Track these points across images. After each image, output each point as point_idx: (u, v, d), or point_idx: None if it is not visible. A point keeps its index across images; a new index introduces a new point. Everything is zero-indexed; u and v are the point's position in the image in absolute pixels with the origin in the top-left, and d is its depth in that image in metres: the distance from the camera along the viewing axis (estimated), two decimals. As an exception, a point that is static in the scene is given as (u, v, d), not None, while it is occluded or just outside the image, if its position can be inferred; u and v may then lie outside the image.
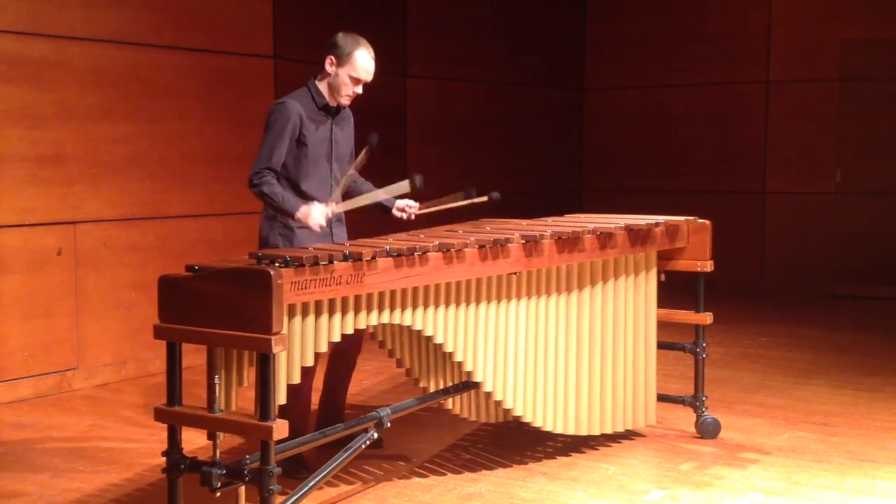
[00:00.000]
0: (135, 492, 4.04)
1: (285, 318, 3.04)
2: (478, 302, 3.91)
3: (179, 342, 3.12)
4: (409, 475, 4.21)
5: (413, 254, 3.50)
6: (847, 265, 9.09)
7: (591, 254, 4.26)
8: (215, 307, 3.00)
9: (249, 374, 3.07)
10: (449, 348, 3.84)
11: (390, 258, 3.41)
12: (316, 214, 4.00)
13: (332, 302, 3.28)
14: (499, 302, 4.00)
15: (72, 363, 5.73)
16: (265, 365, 2.98)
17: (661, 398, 4.82)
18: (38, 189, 5.53)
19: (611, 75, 10.17)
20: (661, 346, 4.78)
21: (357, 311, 3.39)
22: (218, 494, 3.13)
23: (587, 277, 4.37)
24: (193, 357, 4.05)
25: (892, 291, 8.81)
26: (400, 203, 4.39)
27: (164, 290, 3.12)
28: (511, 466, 4.31)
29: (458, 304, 3.82)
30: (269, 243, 4.16)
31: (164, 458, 3.19)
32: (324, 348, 3.30)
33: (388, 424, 3.86)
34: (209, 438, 3.13)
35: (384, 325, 3.84)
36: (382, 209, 4.42)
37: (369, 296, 3.41)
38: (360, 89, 4.21)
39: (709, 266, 4.71)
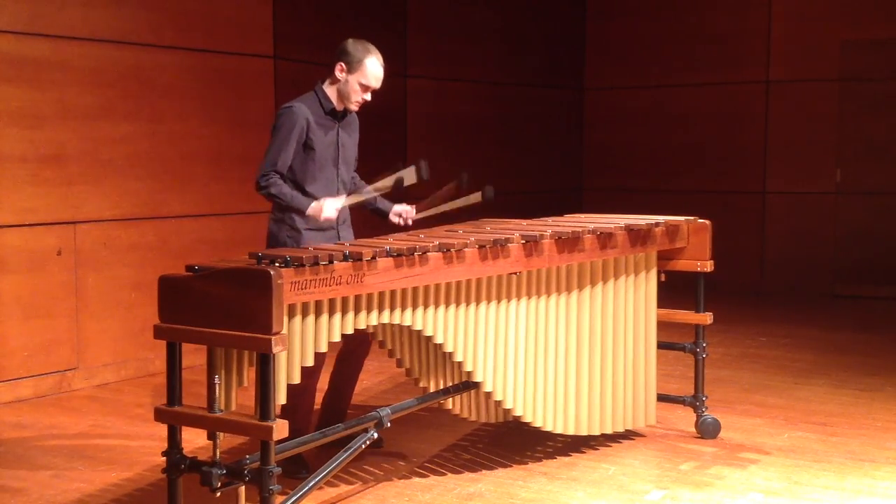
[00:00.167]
0: (135, 492, 4.04)
1: (285, 318, 3.04)
2: (478, 302, 3.91)
3: (179, 342, 3.12)
4: (409, 475, 4.21)
5: (413, 254, 3.50)
6: (847, 265, 9.09)
7: (591, 254, 4.26)
8: (215, 307, 3.00)
9: (249, 374, 3.07)
10: (449, 348, 3.84)
11: (390, 258, 3.41)
12: (328, 208, 4.04)
13: (332, 302, 3.28)
14: (499, 302, 4.01)
15: (72, 363, 5.74)
16: (265, 365, 2.98)
17: (661, 398, 4.82)
18: (38, 189, 5.53)
19: (611, 75, 10.17)
20: (661, 346, 4.78)
21: (357, 311, 3.39)
22: (218, 494, 3.13)
23: (587, 277, 4.37)
24: (193, 357, 4.05)
25: (892, 291, 8.81)
26: (397, 208, 4.41)
27: (164, 290, 3.12)
28: (511, 466, 4.31)
29: (458, 304, 3.82)
30: (277, 243, 4.19)
31: (164, 458, 3.19)
32: (324, 348, 3.30)
33: (388, 424, 3.86)
34: (209, 438, 3.13)
35: (384, 325, 3.84)
36: (380, 214, 4.44)
37: (369, 296, 3.41)
38: (368, 96, 4.25)
39: (709, 266, 4.71)
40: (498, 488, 4.04)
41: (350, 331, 3.38)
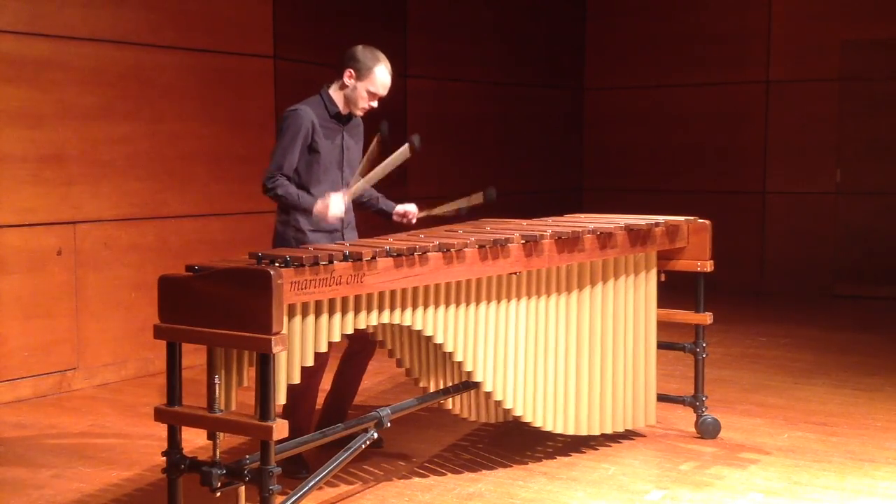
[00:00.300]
0: (135, 492, 4.04)
1: (285, 318, 3.05)
2: (478, 302, 3.91)
3: (179, 342, 3.12)
4: (409, 475, 4.22)
5: (413, 254, 3.50)
6: (847, 265, 9.09)
7: (591, 254, 4.26)
8: (215, 307, 3.00)
9: (249, 374, 3.07)
10: (449, 348, 3.84)
11: (390, 258, 3.41)
12: (334, 205, 4.06)
13: (332, 302, 3.29)
14: (499, 302, 4.01)
15: (72, 363, 5.73)
16: (265, 365, 2.98)
17: (661, 398, 4.82)
18: (38, 189, 5.53)
19: (611, 75, 10.17)
20: (661, 346, 4.78)
21: (357, 311, 3.39)
22: (218, 494, 3.13)
23: (587, 277, 4.37)
24: (193, 357, 4.05)
25: (892, 291, 8.81)
26: (399, 209, 4.42)
27: (164, 290, 3.12)
28: (511, 466, 4.31)
29: (458, 304, 3.82)
30: (283, 244, 4.21)
31: (164, 458, 3.19)
32: (324, 348, 3.30)
33: (388, 424, 3.86)
34: (209, 438, 3.13)
35: (384, 325, 3.84)
36: (384, 215, 4.46)
37: (369, 296, 3.41)
38: (375, 103, 4.28)
39: (709, 266, 4.71)
40: (498, 488, 4.04)
41: (350, 331, 3.38)
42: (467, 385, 4.22)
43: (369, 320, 3.45)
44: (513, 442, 4.63)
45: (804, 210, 9.24)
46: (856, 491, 4.04)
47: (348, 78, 4.21)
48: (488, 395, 4.12)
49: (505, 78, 9.23)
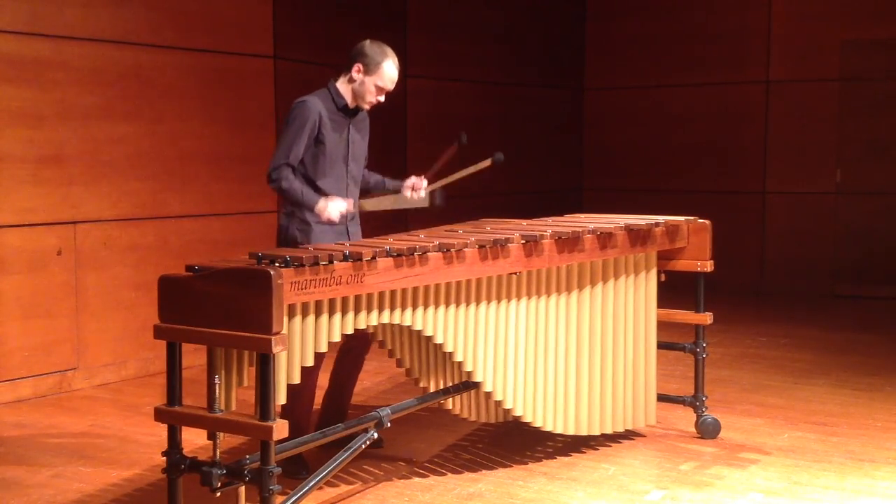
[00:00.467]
0: (135, 492, 4.04)
1: (285, 318, 3.04)
2: (478, 302, 3.91)
3: (179, 342, 3.12)
4: (409, 475, 4.22)
5: (413, 254, 3.50)
6: (847, 265, 9.09)
7: (591, 254, 4.26)
8: (215, 307, 3.00)
9: (249, 374, 3.07)
10: (449, 348, 3.84)
11: (390, 258, 3.41)
12: (332, 209, 4.08)
13: (332, 302, 3.29)
14: (499, 302, 4.01)
15: (72, 363, 5.73)
16: (265, 365, 2.98)
17: (661, 398, 4.82)
18: (38, 189, 5.53)
19: (611, 75, 10.17)
20: (661, 346, 4.78)
21: (357, 311, 3.39)
22: (218, 494, 3.13)
23: (587, 277, 4.37)
24: (193, 357, 4.05)
25: (892, 291, 8.81)
26: (408, 182, 4.45)
27: (164, 290, 3.12)
28: (511, 466, 4.31)
29: (458, 304, 3.82)
30: (288, 237, 4.22)
31: (164, 458, 3.19)
32: (324, 348, 3.30)
33: (388, 424, 3.86)
34: (209, 438, 3.13)
35: (384, 325, 3.84)
36: (392, 192, 4.50)
37: (369, 296, 3.41)
38: (382, 98, 4.30)
39: (709, 266, 4.71)
40: (498, 488, 4.04)
41: (350, 331, 3.38)
42: (467, 385, 4.22)
43: (369, 320, 3.45)
44: (513, 442, 4.63)
45: (804, 210, 9.24)
46: (856, 491, 4.04)
47: (356, 72, 4.22)
48: (488, 395, 4.12)
49: (505, 78, 9.23)
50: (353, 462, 3.91)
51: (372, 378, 5.92)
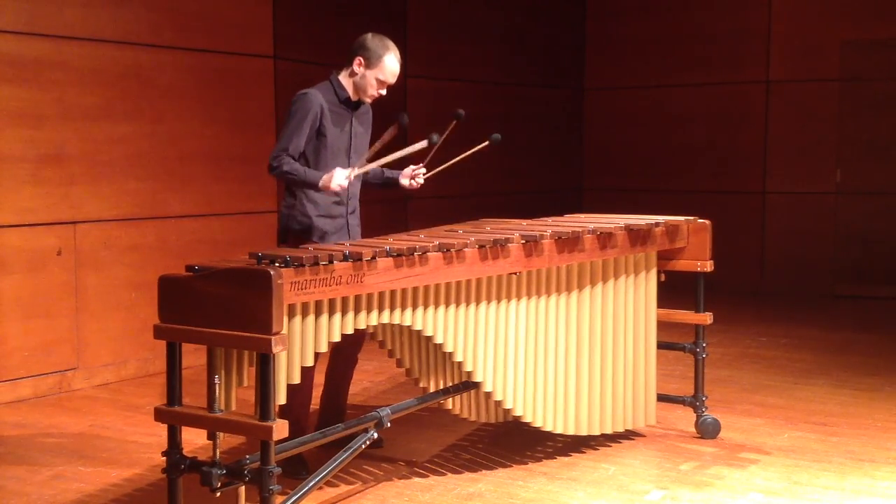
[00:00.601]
0: (135, 492, 4.04)
1: (285, 318, 3.04)
2: (478, 302, 3.91)
3: (179, 342, 3.12)
4: (409, 475, 4.21)
5: (413, 254, 3.50)
6: (847, 265, 9.09)
7: (591, 254, 4.26)
8: (215, 307, 3.00)
9: (249, 374, 3.07)
10: (449, 348, 3.84)
11: (390, 258, 3.41)
12: (338, 177, 4.07)
13: (332, 302, 3.28)
14: (499, 302, 4.00)
15: (72, 363, 5.73)
16: (265, 365, 2.98)
17: (661, 398, 4.82)
18: (38, 189, 5.53)
19: (611, 75, 10.17)
20: (661, 346, 4.78)
21: (357, 311, 3.39)
22: (218, 494, 3.13)
23: (587, 277, 4.37)
24: (193, 357, 4.05)
25: (892, 291, 8.81)
26: (406, 171, 4.43)
27: (164, 290, 3.12)
28: (511, 466, 4.31)
29: (458, 304, 3.82)
30: (288, 232, 4.23)
31: (164, 458, 3.19)
32: (324, 348, 3.30)
33: (388, 424, 3.86)
34: (209, 438, 3.13)
35: (384, 325, 3.84)
36: (390, 184, 4.49)
37: (369, 296, 3.41)
38: (384, 91, 4.32)
39: (709, 266, 4.71)
40: (498, 488, 4.04)
41: (350, 331, 3.38)
42: (467, 385, 4.22)
43: (369, 320, 3.45)
44: (513, 442, 4.63)
45: (804, 210, 9.24)
46: (856, 491, 4.04)
47: (358, 66, 4.23)
48: (488, 395, 4.12)
49: (505, 78, 9.23)
50: (353, 462, 3.90)
51: (372, 378, 5.92)
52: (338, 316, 3.31)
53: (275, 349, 2.93)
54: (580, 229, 4.19)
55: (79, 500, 3.95)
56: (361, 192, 4.45)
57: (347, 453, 3.66)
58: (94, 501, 3.94)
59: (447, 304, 3.77)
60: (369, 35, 4.26)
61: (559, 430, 4.35)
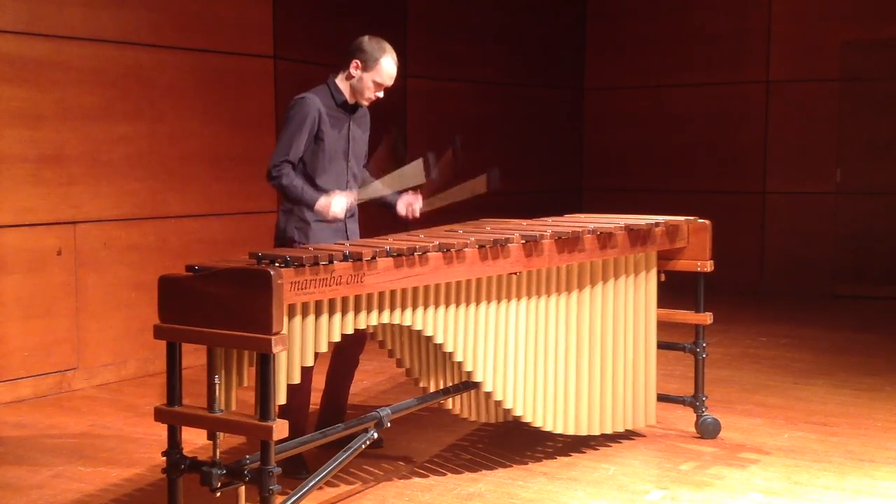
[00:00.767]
0: (135, 492, 4.04)
1: (285, 318, 3.04)
2: (478, 302, 3.91)
3: (179, 342, 3.12)
4: (409, 475, 4.22)
5: (413, 254, 3.50)
6: (847, 265, 9.09)
7: (591, 254, 4.26)
8: (215, 307, 3.00)
9: (249, 374, 3.07)
10: (449, 348, 3.84)
11: (390, 258, 3.41)
12: (336, 205, 4.06)
13: (332, 302, 3.28)
14: (499, 302, 4.00)
15: (72, 363, 5.74)
16: (265, 365, 2.98)
17: (661, 398, 4.82)
18: (38, 189, 5.53)
19: (611, 75, 10.17)
20: (661, 346, 4.78)
21: (357, 311, 3.39)
22: (218, 494, 3.13)
23: (587, 277, 4.37)
24: (193, 357, 4.05)
25: (892, 291, 8.81)
26: (404, 199, 4.42)
27: (164, 290, 3.12)
28: (511, 466, 4.31)
29: (458, 304, 3.82)
30: (285, 235, 4.21)
31: (164, 458, 3.19)
32: (324, 348, 3.30)
33: (388, 424, 3.86)
34: (209, 438, 3.13)
35: (384, 325, 3.84)
36: (386, 206, 4.46)
37: (369, 296, 3.41)
38: (381, 93, 4.29)
39: (709, 266, 4.71)
40: (498, 488, 4.04)
41: (350, 331, 3.38)
42: (467, 385, 4.22)
43: (369, 320, 3.45)
44: (513, 442, 4.63)
45: (804, 210, 9.24)
46: (856, 491, 4.04)
47: (354, 69, 4.22)
48: (488, 395, 4.12)
49: (505, 78, 9.23)
50: (353, 462, 3.90)
51: (372, 378, 5.92)
52: (338, 316, 3.31)
53: (275, 349, 2.93)
54: (580, 229, 4.19)
55: (79, 500, 3.95)
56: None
57: (347, 453, 3.66)
58: (94, 501, 3.94)
59: (447, 304, 3.76)
60: (366, 38, 4.25)
61: (559, 430, 4.35)
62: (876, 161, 8.99)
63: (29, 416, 5.17)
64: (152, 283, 3.22)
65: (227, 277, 3.00)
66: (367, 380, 5.85)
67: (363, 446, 3.74)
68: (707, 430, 4.73)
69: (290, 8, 6.90)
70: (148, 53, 6.04)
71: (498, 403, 4.20)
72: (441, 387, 4.28)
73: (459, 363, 3.95)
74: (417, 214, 4.42)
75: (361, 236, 4.33)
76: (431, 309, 3.69)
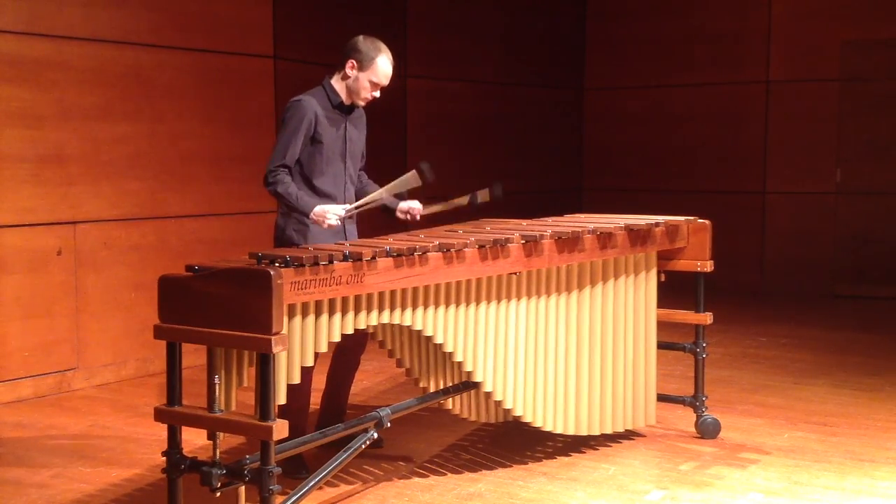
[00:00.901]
0: (135, 492, 4.04)
1: (285, 318, 3.04)
2: (478, 302, 3.91)
3: (179, 342, 3.12)
4: (409, 475, 4.22)
5: (413, 254, 3.50)
6: (847, 265, 9.09)
7: (591, 254, 4.26)
8: (215, 307, 3.00)
9: (249, 374, 3.07)
10: (449, 348, 3.84)
11: (390, 258, 3.41)
12: (331, 216, 4.05)
13: (332, 302, 3.28)
14: (499, 302, 4.00)
15: (72, 363, 5.73)
16: (265, 365, 2.98)
17: (661, 398, 4.82)
18: (38, 189, 5.53)
19: (611, 75, 10.17)
20: (661, 346, 4.78)
21: (357, 311, 3.39)
22: (218, 494, 3.13)
23: (587, 277, 4.37)
24: (193, 357, 4.05)
25: (892, 291, 8.81)
26: (403, 205, 4.41)
27: (164, 290, 3.12)
28: (511, 466, 4.31)
29: (458, 304, 3.82)
30: (284, 237, 4.21)
31: (164, 458, 3.19)
32: (324, 348, 3.30)
33: (388, 424, 3.86)
34: (209, 438, 3.13)
35: (384, 325, 3.84)
36: (386, 211, 4.45)
37: (369, 296, 3.41)
38: (377, 93, 4.29)
39: (709, 266, 4.71)
40: (498, 488, 4.04)
41: (350, 331, 3.38)
42: (467, 385, 4.22)
43: (369, 320, 3.45)
44: (513, 442, 4.63)
45: (804, 210, 9.24)
46: (856, 491, 4.04)
47: (350, 69, 4.21)
48: (488, 395, 4.12)
49: (505, 78, 9.23)
50: (353, 462, 3.90)
51: (372, 378, 5.92)
52: (338, 316, 3.31)
53: (275, 349, 2.93)
54: (580, 229, 4.19)
55: (79, 500, 3.95)
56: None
57: (347, 453, 3.66)
58: (94, 501, 3.94)
59: (447, 304, 3.76)
60: (360, 37, 4.24)
61: (559, 430, 4.35)
62: (876, 161, 8.99)
63: (29, 417, 5.17)
64: (152, 283, 3.22)
65: (227, 277, 3.00)
66: (367, 380, 5.85)
67: (363, 446, 3.74)
68: (707, 430, 4.73)
69: (290, 8, 6.90)
70: (148, 53, 6.04)
71: (498, 403, 4.20)
72: (441, 387, 4.28)
73: (459, 363, 3.95)
74: (417, 218, 4.42)
75: (361, 236, 4.33)
76: (431, 309, 3.70)
